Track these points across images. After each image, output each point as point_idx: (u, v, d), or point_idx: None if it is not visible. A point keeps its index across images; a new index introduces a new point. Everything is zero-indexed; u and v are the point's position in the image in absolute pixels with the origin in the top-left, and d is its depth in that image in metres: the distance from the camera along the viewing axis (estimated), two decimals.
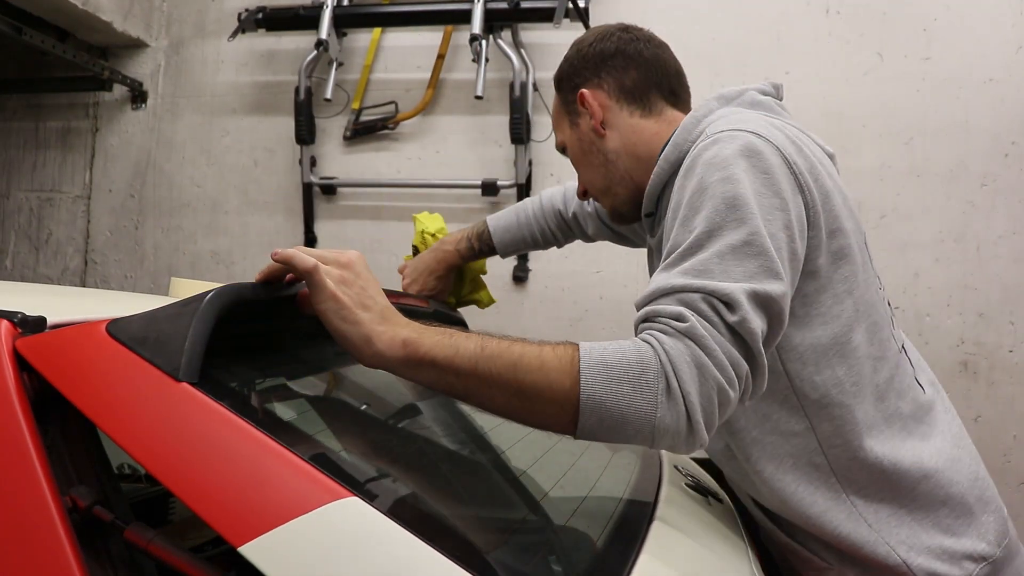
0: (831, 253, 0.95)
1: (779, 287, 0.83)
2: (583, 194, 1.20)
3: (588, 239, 1.48)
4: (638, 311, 0.84)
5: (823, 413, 0.96)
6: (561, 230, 1.47)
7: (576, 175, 1.21)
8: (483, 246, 1.47)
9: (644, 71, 1.11)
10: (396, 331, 0.80)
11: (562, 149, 1.21)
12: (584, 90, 1.11)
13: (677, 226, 0.89)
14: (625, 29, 1.14)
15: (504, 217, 1.48)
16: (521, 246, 1.48)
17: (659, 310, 0.80)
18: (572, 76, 1.14)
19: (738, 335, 0.79)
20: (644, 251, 1.26)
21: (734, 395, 0.78)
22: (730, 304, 0.79)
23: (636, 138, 1.10)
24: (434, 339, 0.79)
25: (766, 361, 0.82)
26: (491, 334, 0.81)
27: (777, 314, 0.83)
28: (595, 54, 1.12)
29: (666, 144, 1.05)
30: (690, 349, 0.76)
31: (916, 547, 0.96)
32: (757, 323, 0.80)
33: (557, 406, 0.76)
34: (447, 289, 1.49)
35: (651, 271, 1.18)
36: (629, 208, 1.15)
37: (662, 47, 1.14)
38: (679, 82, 1.14)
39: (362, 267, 0.85)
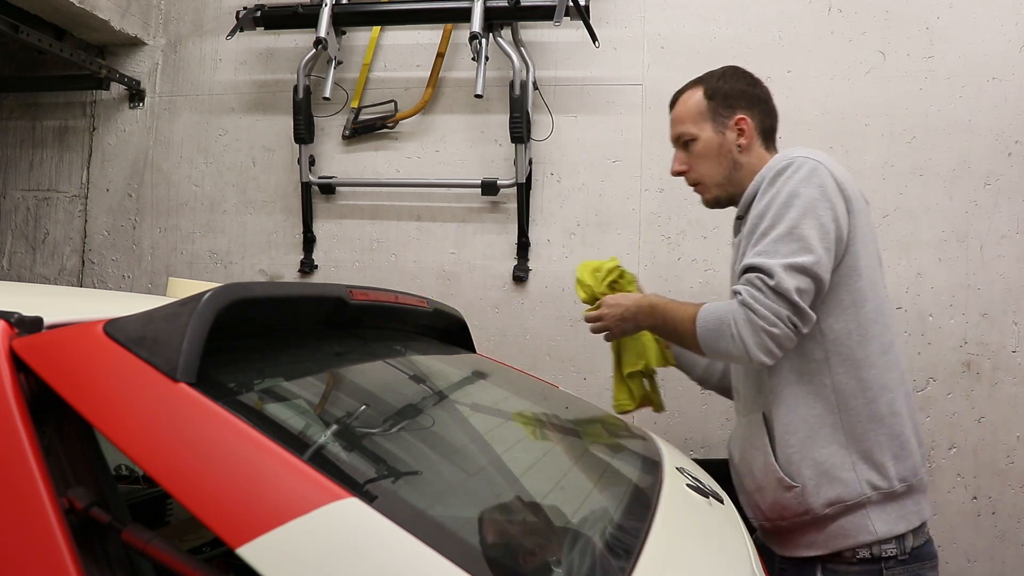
0: (859, 245, 1.40)
1: (811, 258, 1.33)
2: (678, 173, 1.61)
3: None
4: (736, 278, 1.41)
5: (835, 349, 1.40)
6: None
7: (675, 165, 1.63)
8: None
9: (774, 122, 1.60)
10: (638, 317, 1.57)
11: (686, 141, 1.58)
12: (744, 115, 1.54)
13: (755, 216, 1.41)
14: (762, 81, 1.61)
15: None
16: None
17: (736, 287, 1.38)
18: (730, 97, 1.55)
19: (776, 292, 1.31)
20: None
21: (780, 331, 1.32)
22: (770, 274, 1.32)
23: (757, 162, 1.54)
24: (647, 313, 1.55)
25: (804, 302, 1.32)
26: (668, 303, 1.53)
27: (812, 274, 1.33)
28: (752, 94, 1.57)
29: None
30: (744, 312, 1.34)
31: (870, 462, 1.38)
32: (790, 282, 1.31)
33: (693, 345, 1.45)
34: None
35: (734, 261, 1.58)
36: (726, 201, 1.59)
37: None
38: (777, 129, 1.62)
39: (612, 307, 1.60)
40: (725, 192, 1.57)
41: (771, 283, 1.31)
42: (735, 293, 1.37)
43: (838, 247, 1.37)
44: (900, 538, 1.38)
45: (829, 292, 1.39)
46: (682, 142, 1.59)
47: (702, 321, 1.41)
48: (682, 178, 1.62)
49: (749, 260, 1.36)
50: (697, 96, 1.57)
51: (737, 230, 1.57)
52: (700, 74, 1.61)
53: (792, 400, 1.41)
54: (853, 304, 1.40)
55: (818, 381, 1.40)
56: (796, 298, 1.31)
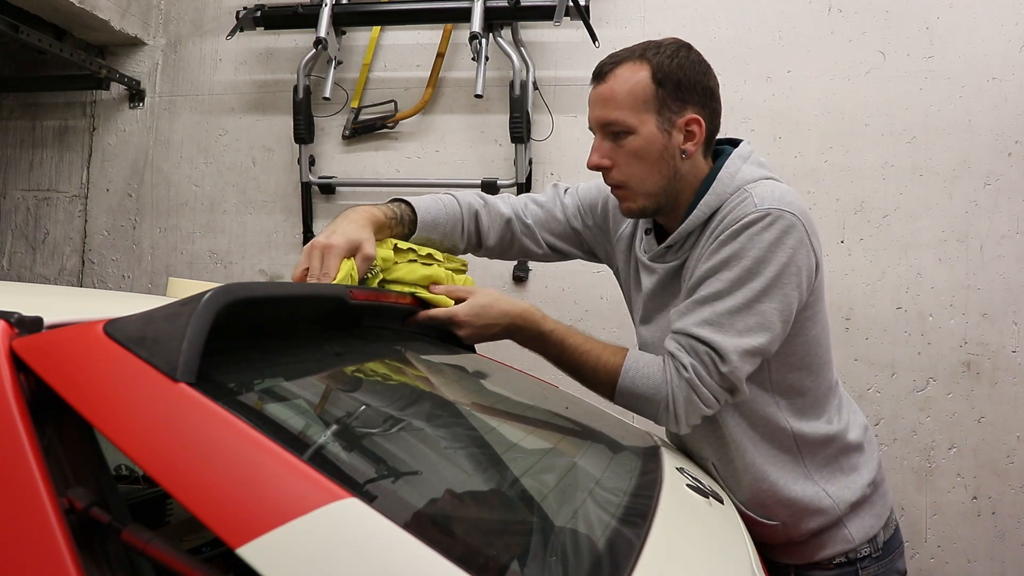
0: (815, 296, 1.27)
1: (766, 339, 1.18)
2: (598, 168, 1.29)
3: (510, 247, 1.50)
4: (672, 333, 1.24)
5: (785, 396, 1.30)
6: (473, 228, 1.47)
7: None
8: (401, 215, 1.38)
9: (719, 121, 1.29)
10: (513, 336, 1.34)
11: (618, 132, 1.25)
12: (697, 115, 1.23)
13: (708, 270, 1.21)
14: (713, 69, 1.29)
15: (422, 199, 1.43)
16: (435, 229, 1.42)
17: (677, 354, 1.21)
18: (684, 87, 1.23)
19: (725, 377, 1.19)
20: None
21: (713, 411, 1.23)
22: (724, 359, 1.17)
23: (698, 174, 1.28)
24: (531, 337, 1.32)
25: (745, 387, 1.21)
26: (569, 335, 1.31)
27: (764, 353, 1.21)
28: (707, 87, 1.25)
29: (705, 189, 1.26)
30: (687, 391, 1.20)
31: (837, 483, 1.33)
32: (743, 370, 1.19)
33: (605, 391, 1.31)
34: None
35: (637, 283, 1.42)
36: (652, 213, 1.33)
37: None
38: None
39: (478, 316, 1.30)
40: (655, 204, 1.29)
41: (723, 369, 1.17)
42: (671, 356, 1.22)
43: (795, 312, 1.22)
44: (873, 537, 1.36)
45: (781, 345, 1.24)
46: (611, 131, 1.26)
47: (630, 381, 1.25)
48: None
49: (699, 330, 1.19)
50: (642, 76, 1.23)
51: (659, 256, 1.34)
52: (642, 43, 1.28)
53: (752, 447, 1.30)
54: (807, 354, 1.29)
55: (776, 427, 1.30)
56: (743, 386, 1.21)
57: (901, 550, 1.45)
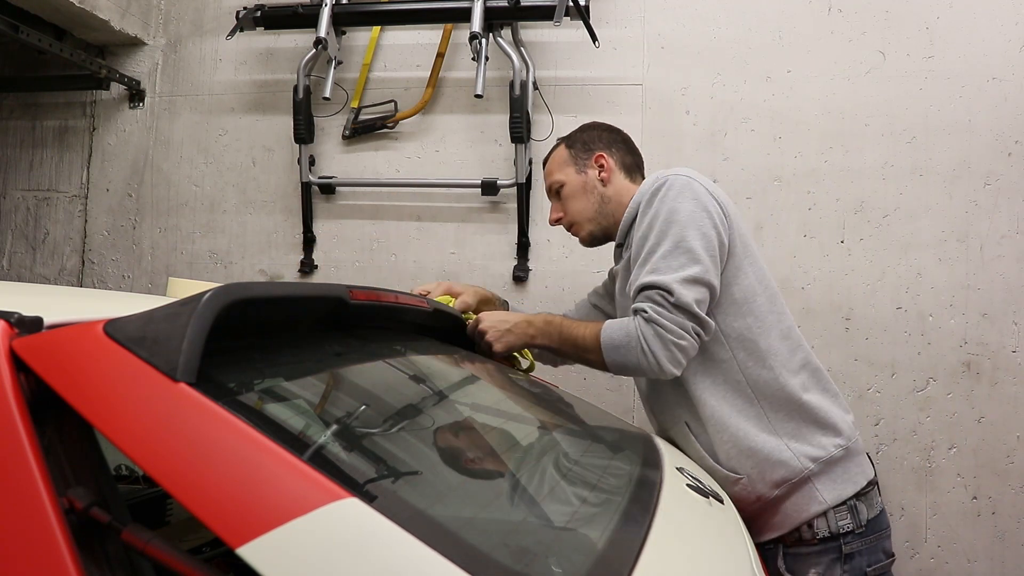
0: (740, 246, 1.51)
1: (699, 268, 1.43)
2: (556, 221, 1.77)
3: None
4: (633, 297, 1.48)
5: (740, 345, 1.49)
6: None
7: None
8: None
9: (636, 159, 1.76)
10: (530, 332, 1.62)
11: (557, 189, 1.73)
12: (602, 152, 1.70)
13: (640, 239, 1.51)
14: (621, 129, 1.79)
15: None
16: None
17: (637, 305, 1.45)
18: (588, 141, 1.73)
19: (678, 307, 1.41)
20: None
21: (687, 342, 1.42)
22: (669, 291, 1.41)
23: (625, 193, 1.68)
24: (539, 329, 1.61)
25: (703, 312, 1.43)
26: (564, 320, 1.61)
27: (704, 282, 1.43)
28: (609, 137, 1.74)
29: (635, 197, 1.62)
30: (652, 328, 1.42)
31: (801, 440, 1.47)
32: (688, 296, 1.41)
33: (596, 361, 1.53)
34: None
35: (616, 288, 1.69)
36: (601, 235, 1.73)
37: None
38: (642, 165, 1.78)
39: (501, 319, 1.64)
40: (598, 226, 1.70)
41: (671, 299, 1.40)
42: (635, 312, 1.45)
43: (721, 252, 1.47)
44: (853, 509, 1.47)
45: (721, 294, 1.48)
46: (554, 191, 1.74)
47: (608, 337, 1.48)
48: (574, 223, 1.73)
49: (644, 279, 1.44)
50: (560, 149, 1.75)
51: (618, 257, 1.68)
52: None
53: (713, 401, 1.49)
54: (745, 300, 1.50)
55: (732, 379, 1.49)
56: (697, 310, 1.42)
57: (888, 532, 1.54)
